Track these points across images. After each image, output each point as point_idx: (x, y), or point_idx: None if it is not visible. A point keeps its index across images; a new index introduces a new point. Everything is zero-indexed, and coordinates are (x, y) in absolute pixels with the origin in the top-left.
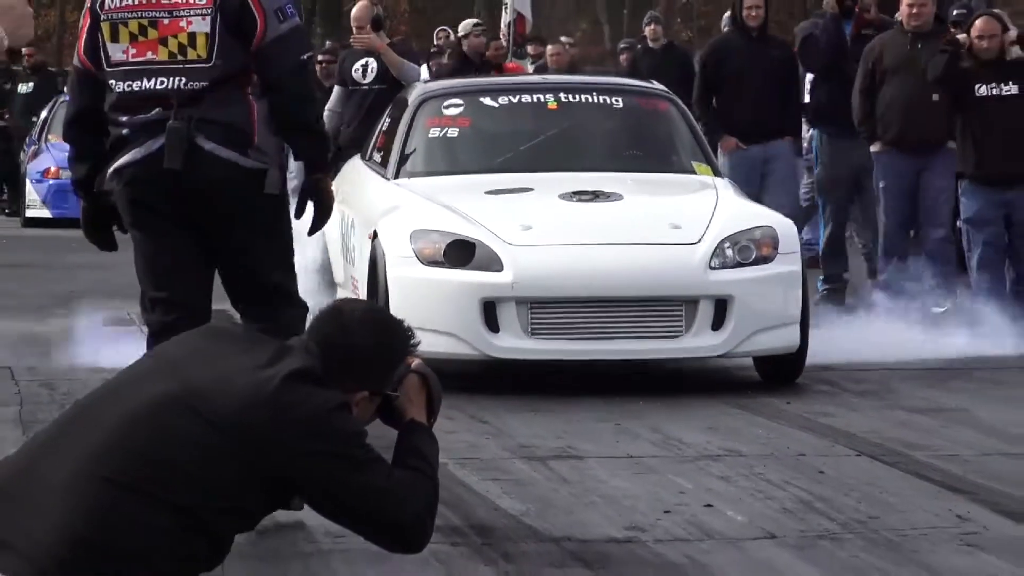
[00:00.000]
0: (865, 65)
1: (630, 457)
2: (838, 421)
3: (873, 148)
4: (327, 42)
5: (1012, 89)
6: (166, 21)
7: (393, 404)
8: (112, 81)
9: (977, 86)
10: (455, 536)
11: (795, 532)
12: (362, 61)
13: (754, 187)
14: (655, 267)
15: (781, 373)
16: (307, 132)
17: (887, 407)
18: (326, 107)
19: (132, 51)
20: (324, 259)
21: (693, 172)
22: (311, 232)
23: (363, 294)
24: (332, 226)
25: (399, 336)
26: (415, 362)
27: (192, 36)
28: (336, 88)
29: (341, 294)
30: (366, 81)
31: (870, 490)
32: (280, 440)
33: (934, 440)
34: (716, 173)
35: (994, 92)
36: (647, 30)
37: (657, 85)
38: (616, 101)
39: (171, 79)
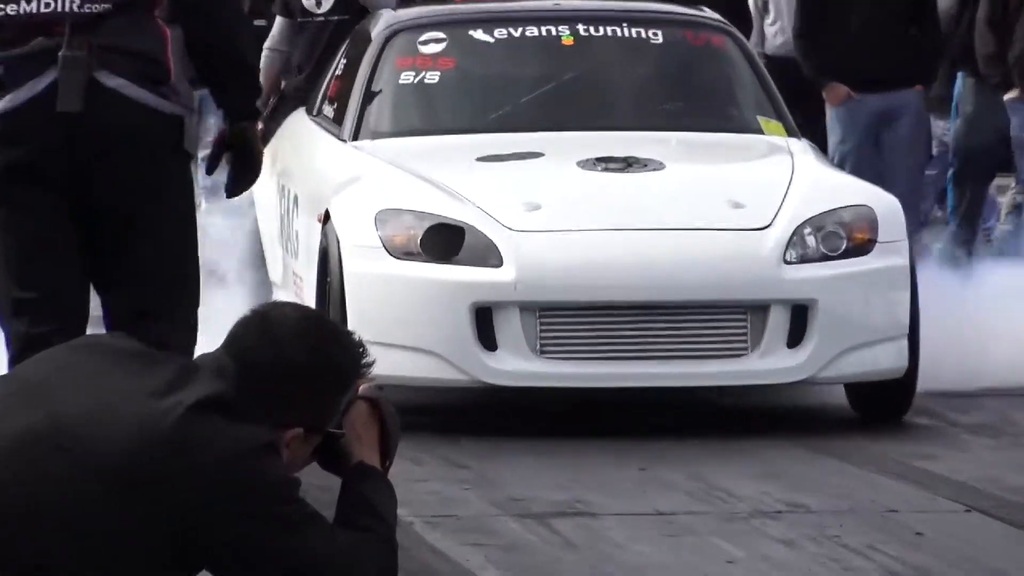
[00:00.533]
0: None
1: (660, 514)
2: (941, 466)
3: (1008, 96)
4: None
5: None
6: None
7: (336, 443)
8: None
9: None
10: None
11: None
12: None
13: (870, 152)
14: (709, 261)
15: (883, 405)
16: (241, 69)
17: (1007, 446)
18: (264, 46)
19: None
20: (255, 249)
21: (760, 131)
22: (232, 194)
23: (309, 298)
24: (267, 205)
25: (346, 354)
26: (363, 386)
27: None
28: (279, 20)
29: (279, 297)
30: (321, 10)
31: (985, 559)
32: (182, 493)
33: None
34: (791, 132)
35: None
36: None
37: (709, 13)
38: (654, 34)
39: (61, 0)
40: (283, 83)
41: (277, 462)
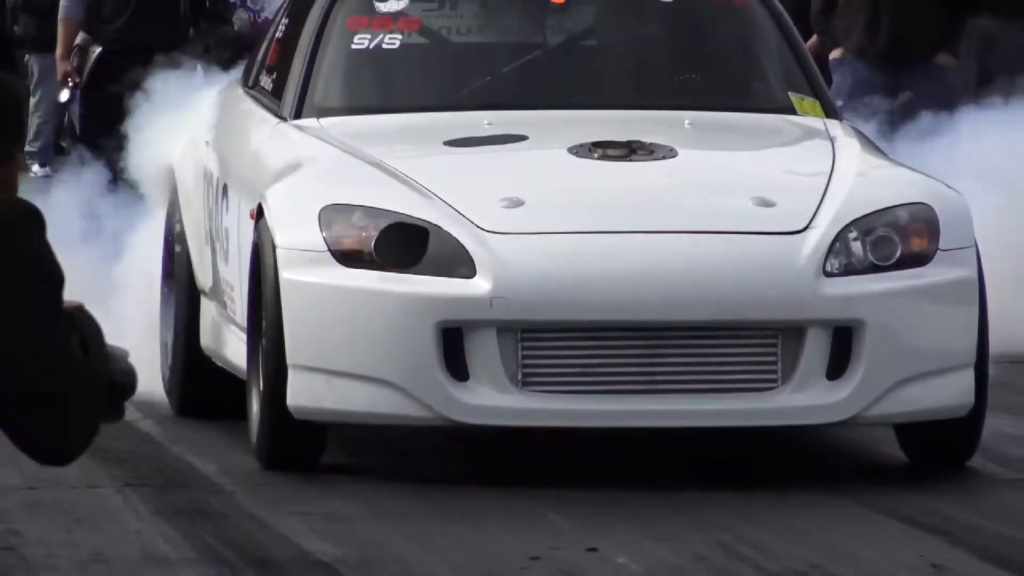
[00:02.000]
0: None
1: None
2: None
3: (833, 54)
4: None
5: None
6: None
7: None
8: None
9: None
10: None
11: None
12: None
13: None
14: (731, 273)
15: (942, 451)
16: None
17: None
18: None
19: None
20: (182, 253)
21: (792, 110)
22: None
23: (242, 311)
24: (193, 196)
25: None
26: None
27: None
28: None
29: (208, 308)
30: None
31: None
32: None
33: None
34: (829, 112)
35: None
36: None
37: None
38: None
39: None
40: (81, 35)
41: (45, 237)
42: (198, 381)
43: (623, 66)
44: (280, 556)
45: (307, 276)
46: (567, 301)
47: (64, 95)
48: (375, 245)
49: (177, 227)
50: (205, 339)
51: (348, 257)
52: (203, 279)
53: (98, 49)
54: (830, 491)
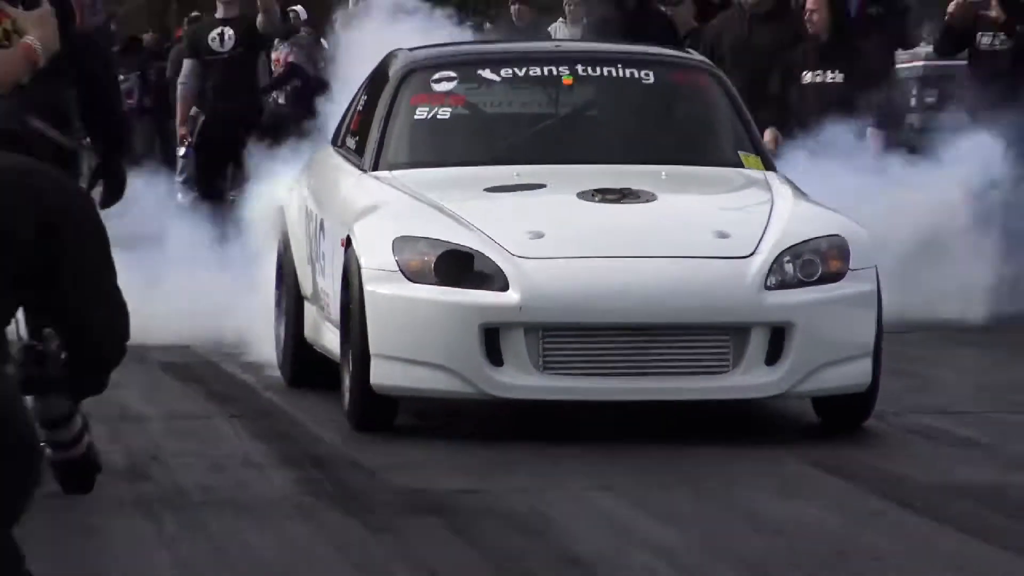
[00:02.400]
0: (704, 50)
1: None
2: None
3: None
4: None
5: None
6: None
7: None
8: None
9: None
10: (313, 486)
11: None
12: (217, 30)
13: None
14: (697, 287)
15: (846, 415)
16: (120, 121)
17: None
18: (178, 81)
19: None
20: (290, 268)
21: (740, 164)
22: (104, 205)
23: (334, 312)
24: (297, 228)
25: None
26: None
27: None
28: (187, 61)
29: (309, 309)
30: (224, 49)
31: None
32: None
33: None
34: (768, 166)
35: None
36: None
37: (695, 55)
38: (646, 75)
39: None
40: (193, 108)
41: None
42: (303, 362)
43: (616, 131)
44: (332, 460)
45: (384, 289)
46: (576, 308)
47: (181, 151)
48: (434, 266)
49: (286, 250)
50: (308, 332)
51: (414, 275)
52: (306, 288)
53: (203, 117)
54: (754, 439)
